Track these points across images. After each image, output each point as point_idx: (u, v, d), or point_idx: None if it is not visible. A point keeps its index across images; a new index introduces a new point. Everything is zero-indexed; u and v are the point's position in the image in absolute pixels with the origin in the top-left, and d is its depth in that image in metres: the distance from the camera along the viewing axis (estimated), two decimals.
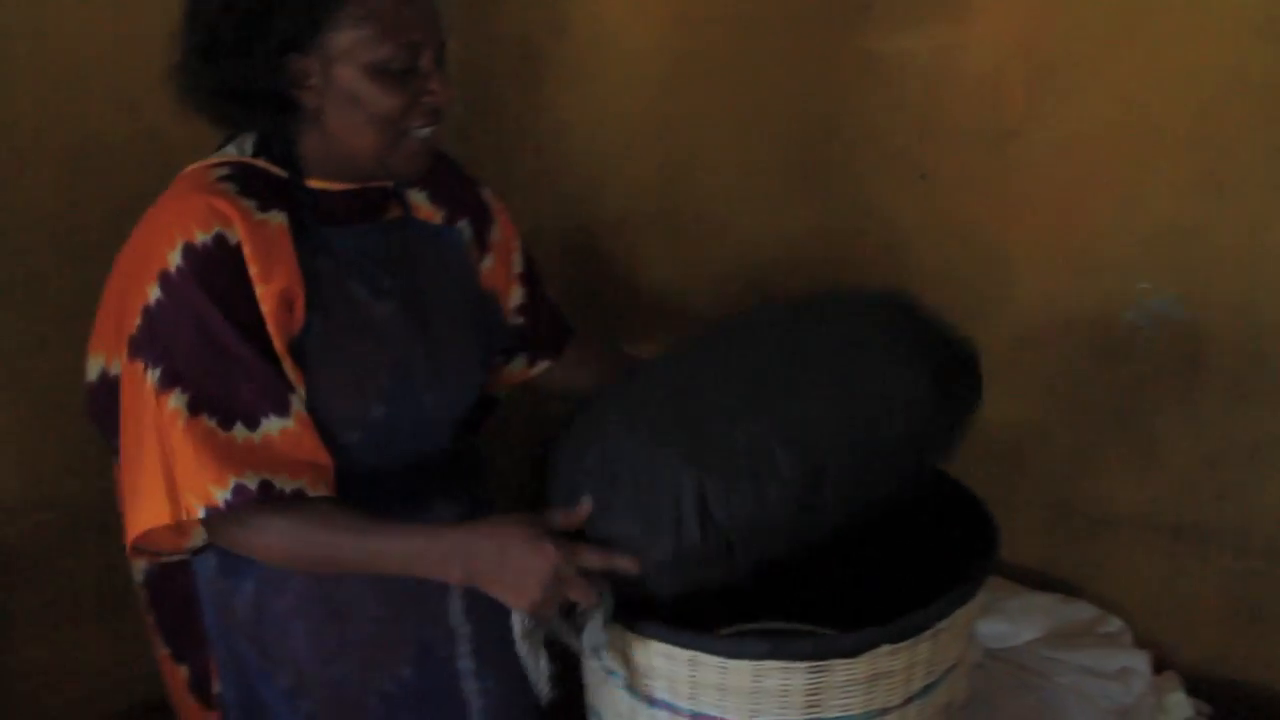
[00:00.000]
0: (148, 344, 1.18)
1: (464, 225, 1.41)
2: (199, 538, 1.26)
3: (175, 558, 1.29)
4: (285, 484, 1.17)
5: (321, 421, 1.22)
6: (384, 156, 1.24)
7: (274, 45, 1.17)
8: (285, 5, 1.17)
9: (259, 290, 1.18)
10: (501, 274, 1.46)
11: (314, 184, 1.26)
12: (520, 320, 1.48)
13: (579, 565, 1.15)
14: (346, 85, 1.19)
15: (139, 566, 1.34)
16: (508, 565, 1.15)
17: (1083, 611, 1.81)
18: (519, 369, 1.51)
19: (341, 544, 1.20)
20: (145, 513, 1.17)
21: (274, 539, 1.19)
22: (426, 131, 1.25)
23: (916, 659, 1.27)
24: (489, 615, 1.29)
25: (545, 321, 1.51)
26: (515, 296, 1.47)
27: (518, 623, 1.19)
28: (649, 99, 1.94)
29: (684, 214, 1.99)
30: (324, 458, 1.21)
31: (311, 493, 1.19)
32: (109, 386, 1.26)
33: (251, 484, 1.15)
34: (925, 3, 1.77)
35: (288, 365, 1.21)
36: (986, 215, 1.84)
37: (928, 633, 1.26)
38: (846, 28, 1.81)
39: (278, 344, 1.20)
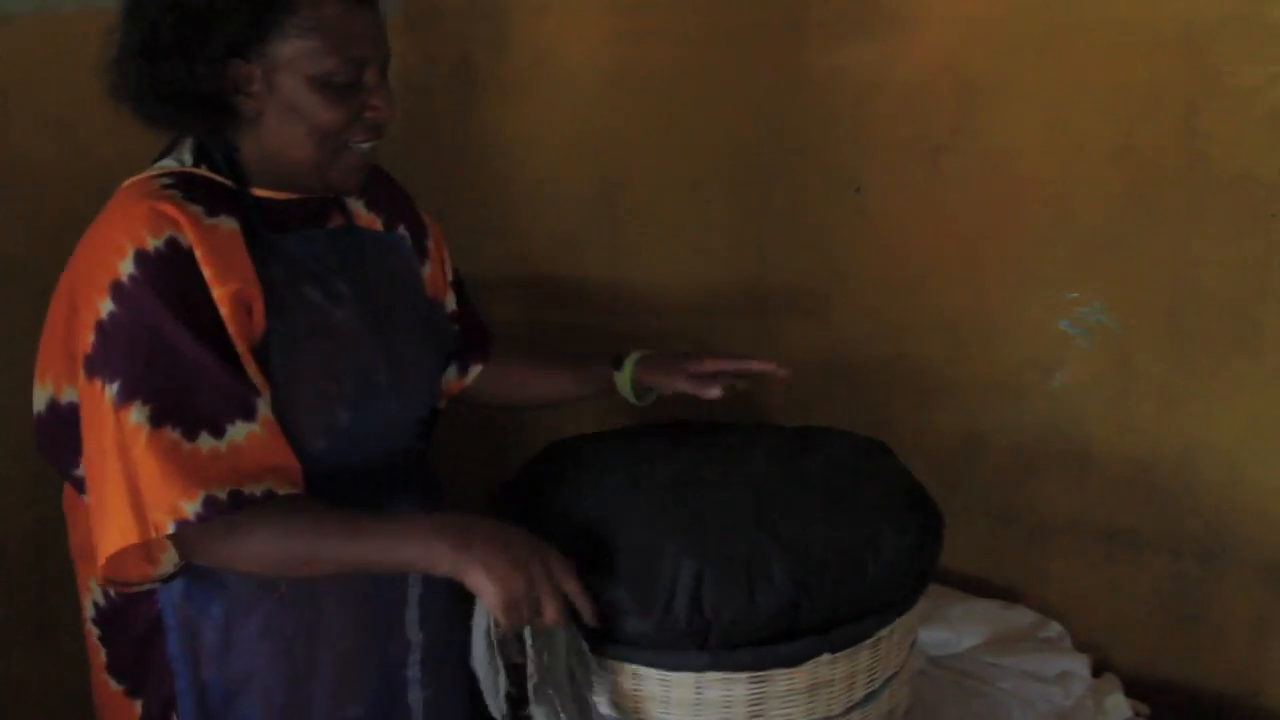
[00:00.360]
0: (103, 360, 1.14)
1: (403, 231, 1.42)
2: (169, 564, 1.21)
3: (143, 587, 1.24)
4: (254, 489, 1.14)
5: (288, 430, 1.20)
6: (322, 168, 1.24)
7: (218, 49, 1.16)
8: (231, 9, 1.15)
9: (215, 293, 1.16)
10: (439, 281, 1.48)
11: (258, 192, 1.25)
12: (454, 327, 1.50)
13: (562, 585, 1.16)
14: (288, 95, 1.19)
15: (91, 602, 1.30)
16: (503, 552, 1.13)
17: (1023, 617, 1.83)
18: (453, 378, 1.52)
19: (327, 534, 1.16)
20: (112, 533, 1.13)
21: (255, 545, 1.16)
22: (366, 146, 1.25)
23: (857, 667, 1.29)
24: (441, 626, 1.30)
25: (473, 327, 1.54)
26: (450, 303, 1.50)
27: (484, 624, 1.18)
28: (588, 115, 1.95)
29: (625, 228, 2.00)
30: (292, 460, 1.19)
31: (280, 492, 1.17)
32: (58, 416, 1.23)
33: (221, 494, 1.12)
34: (857, 20, 1.79)
35: (251, 369, 1.18)
36: (919, 227, 1.87)
37: (868, 641, 1.28)
38: (781, 44, 1.83)
39: (240, 347, 1.17)
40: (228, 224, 1.19)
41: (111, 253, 1.15)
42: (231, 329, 1.16)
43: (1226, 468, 1.77)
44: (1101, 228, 1.76)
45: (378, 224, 1.39)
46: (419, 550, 1.15)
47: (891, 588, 1.30)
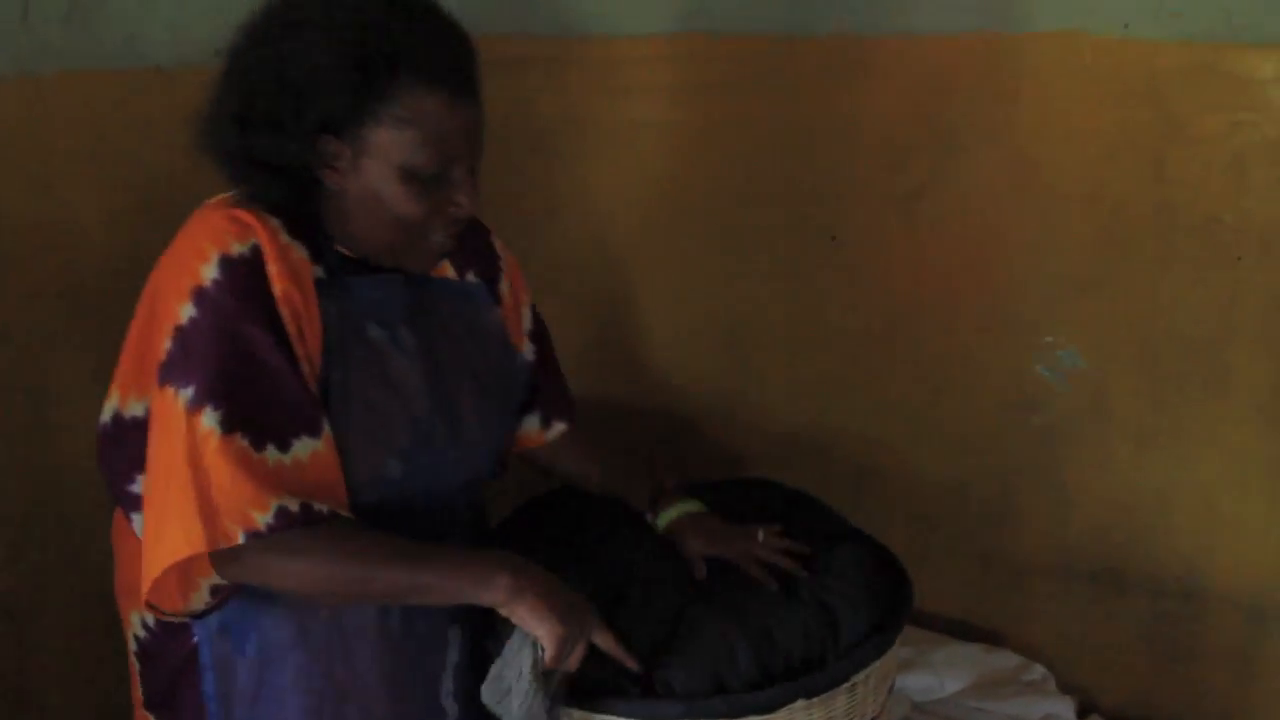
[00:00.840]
0: (180, 364, 1.12)
1: (472, 277, 1.37)
2: (201, 600, 1.20)
3: (173, 619, 1.22)
4: (322, 505, 1.13)
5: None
6: (397, 253, 1.22)
7: (312, 124, 1.14)
8: (333, 90, 1.13)
9: (284, 311, 1.15)
10: (515, 327, 1.43)
11: (335, 248, 1.23)
12: (527, 377, 1.45)
13: (595, 638, 1.20)
14: (373, 180, 1.17)
15: (133, 635, 1.29)
16: (557, 595, 1.18)
17: (1006, 660, 1.84)
18: (533, 430, 1.47)
19: (386, 556, 1.16)
20: (177, 540, 1.10)
21: (310, 562, 1.13)
22: (444, 237, 1.22)
23: (834, 713, 1.29)
24: (475, 698, 1.26)
25: (555, 384, 1.48)
26: (527, 353, 1.45)
27: (530, 658, 1.18)
28: (574, 167, 1.97)
29: (601, 283, 2.02)
30: (343, 487, 1.17)
31: (342, 514, 1.15)
32: (119, 428, 1.22)
33: (294, 506, 1.10)
34: (829, 71, 1.83)
35: (311, 383, 1.16)
36: (895, 274, 1.89)
37: (844, 686, 1.28)
38: (760, 98, 1.86)
39: (303, 367, 1.15)
40: (302, 251, 1.18)
41: (194, 257, 1.14)
42: (297, 349, 1.15)
43: (1204, 507, 1.79)
44: (1074, 272, 1.79)
45: (449, 271, 1.35)
46: (476, 579, 1.16)
47: (853, 668, 1.31)
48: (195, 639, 1.24)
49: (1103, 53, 1.68)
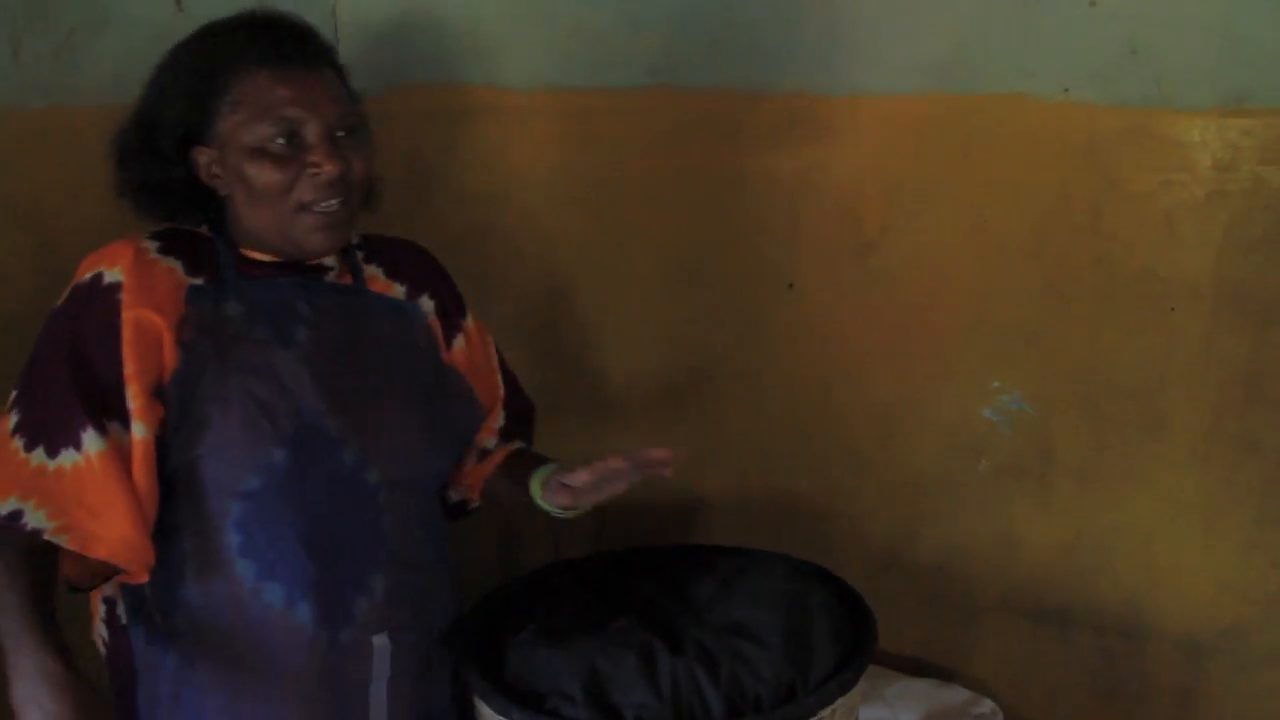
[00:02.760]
0: (22, 371, 1.24)
1: (425, 301, 1.46)
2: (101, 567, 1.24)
3: (88, 588, 1.28)
4: (33, 519, 1.17)
5: (218, 464, 1.24)
6: (284, 231, 1.29)
7: (174, 141, 1.28)
8: (178, 103, 1.27)
9: (125, 315, 1.22)
10: (479, 362, 1.53)
11: (245, 252, 1.33)
12: (477, 404, 1.52)
13: None
14: (235, 168, 1.27)
15: (99, 641, 1.34)
16: (60, 701, 1.10)
17: (957, 695, 1.88)
18: (492, 446, 1.54)
19: None
20: None
21: None
22: (329, 204, 1.29)
23: None
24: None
25: (520, 409, 1.60)
26: (499, 386, 1.57)
27: None
28: (533, 214, 2.03)
29: (569, 322, 2.07)
30: (115, 509, 1.19)
31: (50, 537, 1.17)
32: None
33: (6, 509, 1.17)
34: (789, 127, 1.90)
35: (137, 397, 1.21)
36: (849, 321, 1.96)
37: None
38: (718, 149, 1.93)
39: (128, 370, 1.21)
40: (172, 262, 1.28)
41: (70, 285, 1.27)
42: (129, 352, 1.21)
43: (1144, 547, 1.86)
44: (1020, 321, 1.87)
45: (395, 292, 1.43)
46: (10, 648, 1.14)
47: (826, 697, 1.36)
48: (133, 647, 1.29)
49: (1045, 115, 1.77)
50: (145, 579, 1.25)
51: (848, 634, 1.47)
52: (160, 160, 1.28)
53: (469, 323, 1.53)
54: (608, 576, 1.62)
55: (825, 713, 1.35)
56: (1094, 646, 1.91)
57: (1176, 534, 1.83)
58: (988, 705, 1.87)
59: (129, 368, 1.21)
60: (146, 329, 1.22)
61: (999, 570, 1.95)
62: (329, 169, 1.27)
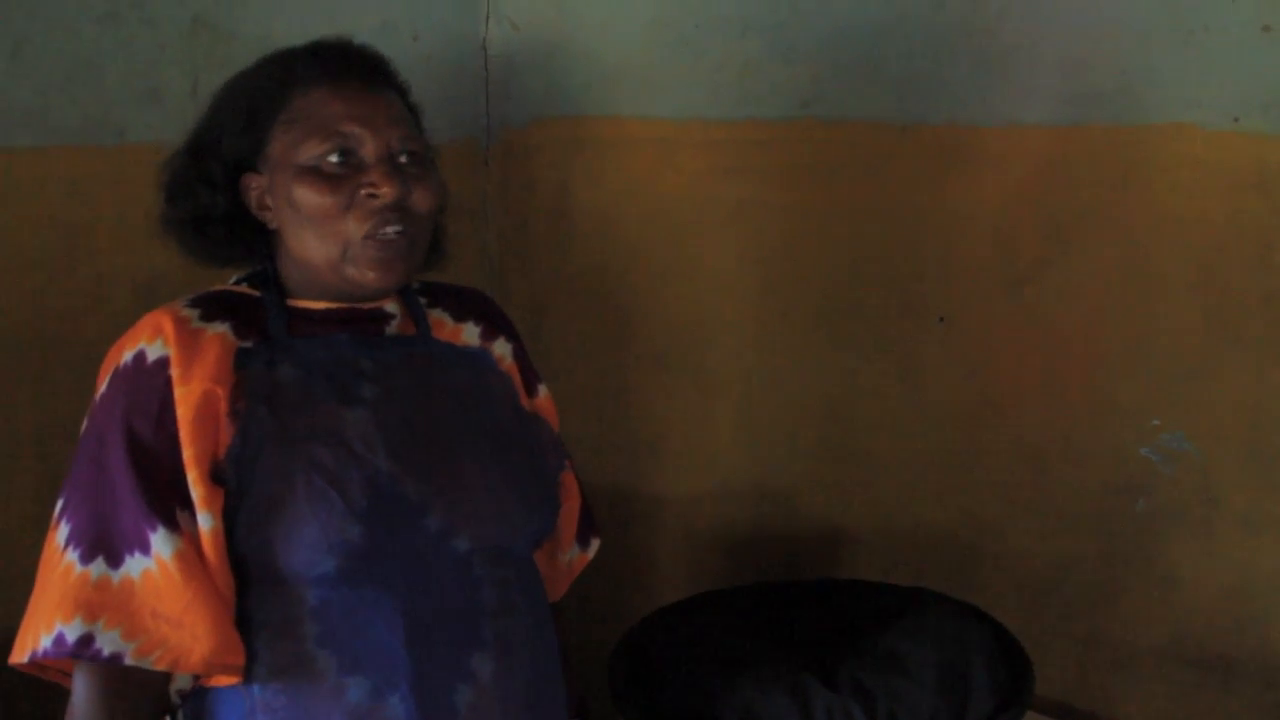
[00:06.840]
0: (66, 475, 1.11)
1: (500, 344, 1.31)
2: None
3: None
4: (108, 642, 1.03)
5: (287, 548, 1.09)
6: (335, 265, 1.14)
7: (224, 168, 1.17)
8: (229, 125, 1.17)
9: (178, 392, 1.09)
10: (522, 391, 1.34)
11: (296, 303, 1.19)
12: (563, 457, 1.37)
13: None
14: (285, 193, 1.14)
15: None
16: None
17: None
18: (576, 556, 1.41)
19: None
20: (17, 644, 1.07)
21: (72, 712, 1.06)
22: (386, 232, 1.13)
23: None
24: None
25: (584, 504, 1.42)
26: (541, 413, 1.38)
27: None
28: (678, 245, 2.05)
29: (713, 354, 2.08)
30: (199, 613, 1.06)
31: (133, 660, 1.03)
32: None
33: (72, 635, 1.03)
34: (941, 158, 1.89)
35: (199, 484, 1.08)
36: (1001, 355, 1.93)
37: None
38: (868, 180, 1.93)
39: (188, 453, 1.08)
40: (218, 328, 1.14)
41: (105, 370, 1.14)
42: (188, 433, 1.08)
43: None
44: (1182, 357, 1.81)
45: (466, 336, 1.29)
46: None
47: None
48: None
49: (1211, 145, 1.72)
50: (241, 679, 1.10)
51: (1004, 676, 1.44)
52: (210, 189, 1.17)
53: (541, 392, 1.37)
54: (754, 609, 1.61)
55: None
56: (1260, 700, 1.82)
57: None
58: None
59: (188, 451, 1.08)
60: (204, 404, 1.09)
61: (1157, 615, 1.88)
62: (386, 191, 1.12)
